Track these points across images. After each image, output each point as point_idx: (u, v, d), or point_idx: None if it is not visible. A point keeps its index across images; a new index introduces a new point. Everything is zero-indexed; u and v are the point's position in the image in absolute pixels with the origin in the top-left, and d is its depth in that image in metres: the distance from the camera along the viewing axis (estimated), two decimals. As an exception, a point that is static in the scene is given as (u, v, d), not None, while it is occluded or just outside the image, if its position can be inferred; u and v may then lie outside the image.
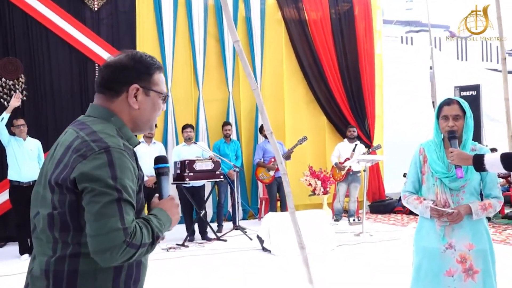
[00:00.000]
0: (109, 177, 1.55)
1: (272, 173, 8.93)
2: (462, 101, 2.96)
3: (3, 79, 8.11)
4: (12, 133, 6.97)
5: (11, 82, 8.14)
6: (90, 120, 1.72)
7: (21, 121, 6.99)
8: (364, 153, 9.07)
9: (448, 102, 2.96)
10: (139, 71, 1.75)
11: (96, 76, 1.81)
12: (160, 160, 1.91)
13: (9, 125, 6.99)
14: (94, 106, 1.78)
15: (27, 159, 6.87)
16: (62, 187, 1.58)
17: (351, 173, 9.22)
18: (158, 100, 1.82)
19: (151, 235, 1.62)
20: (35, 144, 7.05)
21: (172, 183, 7.71)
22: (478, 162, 2.72)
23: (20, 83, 8.20)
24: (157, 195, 1.86)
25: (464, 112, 2.92)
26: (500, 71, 7.26)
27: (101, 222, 1.51)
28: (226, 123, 9.13)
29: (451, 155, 2.82)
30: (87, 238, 1.53)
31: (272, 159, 8.90)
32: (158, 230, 1.66)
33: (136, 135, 1.85)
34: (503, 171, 2.68)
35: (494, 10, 5.75)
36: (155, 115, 1.83)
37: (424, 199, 3.01)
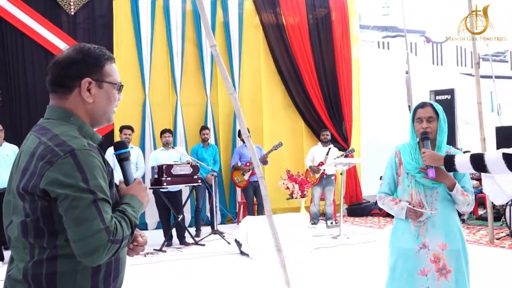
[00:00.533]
0: (80, 180, 1.54)
1: (246, 177, 8.94)
2: (435, 104, 3.04)
3: (-23, 84, 8.01)
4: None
5: (-15, 87, 8.04)
6: (50, 123, 1.69)
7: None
8: (338, 157, 9.14)
9: (422, 105, 3.04)
10: (88, 64, 1.72)
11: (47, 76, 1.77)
12: (119, 146, 1.89)
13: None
14: (51, 108, 1.75)
15: (3, 165, 6.77)
16: (32, 195, 1.57)
17: (325, 176, 9.30)
18: (113, 91, 1.79)
19: (129, 226, 1.65)
20: (11, 150, 6.95)
21: (150, 188, 7.68)
22: (449, 163, 2.79)
23: (-5, 88, 8.10)
24: (122, 180, 1.85)
25: (437, 114, 2.99)
26: (474, 75, 7.43)
27: (83, 227, 1.52)
28: (204, 128, 9.12)
29: (423, 155, 2.90)
30: (71, 243, 1.54)
31: (248, 164, 8.93)
32: (135, 219, 1.69)
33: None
34: (472, 171, 2.74)
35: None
36: (112, 106, 1.80)
37: (400, 201, 3.06)
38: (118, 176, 1.83)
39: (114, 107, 1.82)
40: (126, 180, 1.84)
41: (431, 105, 3.02)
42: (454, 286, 2.90)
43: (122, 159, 1.87)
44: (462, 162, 2.73)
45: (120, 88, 1.82)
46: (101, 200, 1.56)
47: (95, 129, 1.79)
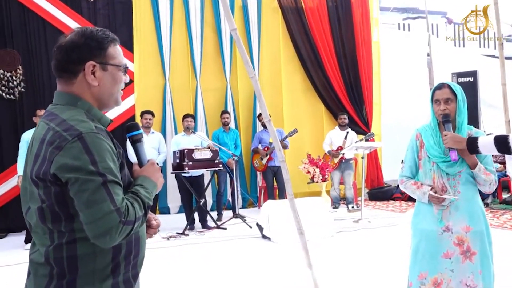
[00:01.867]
0: (89, 163, 1.55)
1: (264, 161, 8.97)
2: (453, 84, 2.99)
3: (1, 71, 8.11)
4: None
5: (9, 74, 8.15)
6: (58, 109, 1.71)
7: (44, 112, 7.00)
8: (357, 141, 9.10)
9: (439, 86, 3.01)
10: (91, 47, 1.71)
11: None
12: (132, 128, 1.90)
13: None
14: (58, 93, 1.76)
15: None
16: (45, 181, 1.59)
17: (343, 160, 9.26)
18: (118, 73, 1.79)
19: (142, 207, 1.65)
20: None
21: (172, 172, 7.77)
22: (472, 144, 2.76)
23: (18, 74, 8.21)
24: (136, 162, 1.87)
25: (455, 95, 2.95)
26: (497, 57, 7.29)
27: (94, 209, 1.53)
28: (224, 112, 9.15)
29: (445, 138, 2.87)
30: (84, 226, 1.56)
31: (266, 148, 8.96)
32: (148, 200, 1.70)
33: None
34: (496, 153, 2.70)
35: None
36: (117, 88, 1.80)
37: (422, 184, 3.04)
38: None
39: (120, 88, 1.82)
40: (140, 161, 1.86)
41: (449, 86, 2.97)
42: (478, 268, 2.89)
43: (135, 141, 1.88)
44: (486, 144, 2.69)
45: (125, 69, 1.82)
46: (111, 182, 1.57)
47: (103, 112, 1.80)
